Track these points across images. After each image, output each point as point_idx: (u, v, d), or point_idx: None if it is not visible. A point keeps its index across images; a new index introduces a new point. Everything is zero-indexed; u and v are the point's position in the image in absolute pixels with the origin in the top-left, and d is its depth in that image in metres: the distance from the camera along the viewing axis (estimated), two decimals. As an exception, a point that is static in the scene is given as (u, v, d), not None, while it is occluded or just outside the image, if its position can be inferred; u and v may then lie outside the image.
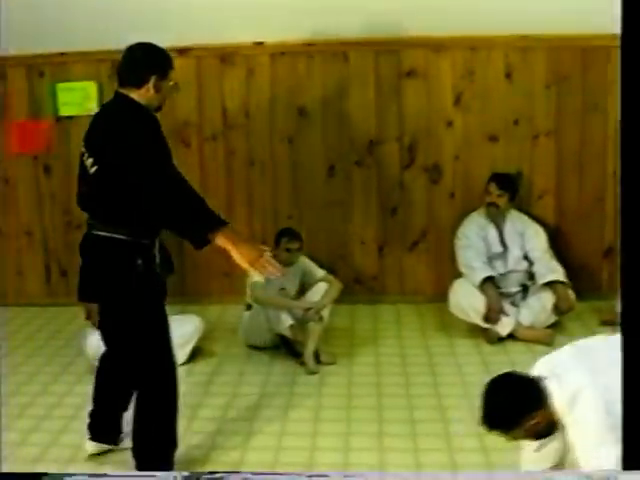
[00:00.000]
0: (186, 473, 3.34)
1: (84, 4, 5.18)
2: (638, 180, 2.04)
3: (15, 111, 5.85)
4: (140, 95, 3.22)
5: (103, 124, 3.26)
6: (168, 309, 4.86)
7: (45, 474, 2.57)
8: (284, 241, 4.93)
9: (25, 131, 5.79)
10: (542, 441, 2.82)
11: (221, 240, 3.12)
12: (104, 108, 3.38)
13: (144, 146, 3.11)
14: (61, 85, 5.69)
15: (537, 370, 2.83)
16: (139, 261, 3.25)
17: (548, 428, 2.71)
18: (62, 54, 5.58)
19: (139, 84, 3.20)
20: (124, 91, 3.24)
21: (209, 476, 3.19)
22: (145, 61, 3.23)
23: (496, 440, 3.63)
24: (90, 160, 3.22)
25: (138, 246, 3.27)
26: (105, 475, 3.30)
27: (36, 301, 6.11)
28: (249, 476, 3.08)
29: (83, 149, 3.30)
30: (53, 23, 5.29)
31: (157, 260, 3.41)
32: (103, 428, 3.68)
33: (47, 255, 6.08)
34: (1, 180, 5.99)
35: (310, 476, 3.17)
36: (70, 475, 2.66)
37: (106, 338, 3.55)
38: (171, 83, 3.32)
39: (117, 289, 3.31)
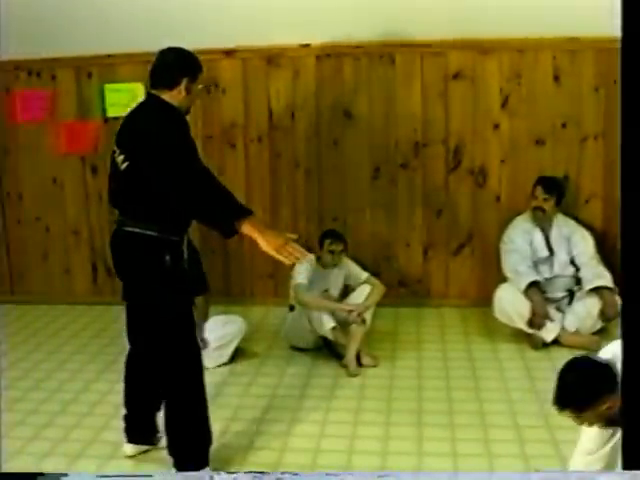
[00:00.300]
0: (222, 473, 3.37)
1: (131, 7, 5.25)
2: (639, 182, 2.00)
3: (63, 112, 5.95)
4: (172, 97, 3.30)
5: (135, 122, 3.33)
6: (212, 309, 4.94)
7: (41, 474, 2.57)
8: (327, 243, 4.92)
9: (73, 131, 5.87)
10: (608, 432, 2.78)
11: (247, 228, 3.17)
12: (136, 108, 3.42)
13: (173, 143, 3.17)
14: (109, 86, 5.77)
15: (604, 355, 2.78)
16: (167, 257, 3.28)
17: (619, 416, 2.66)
18: (109, 56, 5.66)
19: (171, 86, 3.29)
20: (156, 92, 3.33)
21: (245, 476, 3.20)
22: (178, 64, 3.32)
23: (536, 447, 3.64)
24: (121, 157, 3.29)
25: (167, 242, 3.31)
26: (105, 476, 3.33)
27: (83, 299, 6.21)
28: (283, 476, 3.08)
29: (115, 147, 3.37)
30: (101, 25, 5.38)
31: (185, 256, 3.43)
32: (139, 430, 3.71)
33: (94, 254, 6.17)
34: (49, 180, 6.10)
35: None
36: (66, 475, 2.66)
37: (132, 336, 3.60)
38: (200, 86, 3.40)
39: (145, 285, 3.35)
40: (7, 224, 6.27)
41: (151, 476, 3.35)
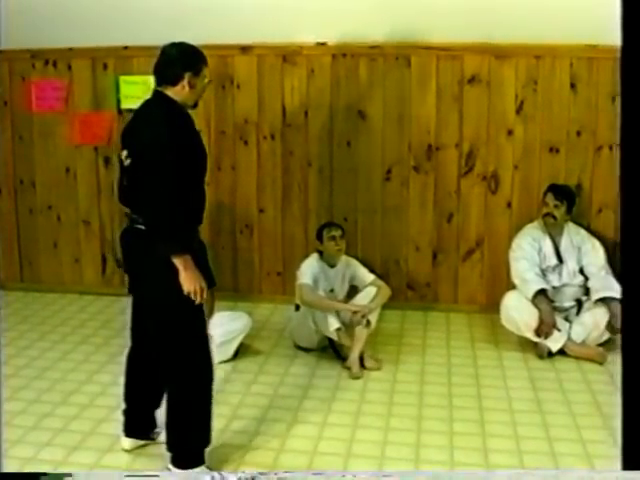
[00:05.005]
0: (216, 473, 3.37)
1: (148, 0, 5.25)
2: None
3: (78, 102, 5.97)
4: (176, 92, 3.30)
5: (138, 119, 3.35)
6: (219, 305, 4.93)
7: (45, 474, 2.57)
8: (326, 231, 4.95)
9: (87, 122, 5.89)
10: None
11: (177, 260, 3.21)
12: (142, 105, 3.41)
13: (165, 144, 3.14)
14: (124, 78, 5.78)
15: None
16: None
17: None
18: (125, 48, 5.66)
19: (174, 82, 3.29)
20: (161, 89, 3.33)
21: (242, 475, 3.21)
22: (179, 59, 3.31)
23: (535, 459, 3.62)
24: (124, 152, 3.30)
25: None
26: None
27: (92, 289, 6.22)
28: (283, 475, 3.08)
29: (120, 143, 3.38)
30: (118, 17, 5.39)
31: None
32: (138, 425, 3.72)
33: (103, 245, 6.18)
34: (62, 169, 6.12)
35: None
36: (69, 475, 2.67)
37: (135, 332, 3.60)
38: (206, 80, 3.40)
39: (153, 283, 3.34)
40: (19, 211, 6.29)
41: (157, 476, 3.37)
